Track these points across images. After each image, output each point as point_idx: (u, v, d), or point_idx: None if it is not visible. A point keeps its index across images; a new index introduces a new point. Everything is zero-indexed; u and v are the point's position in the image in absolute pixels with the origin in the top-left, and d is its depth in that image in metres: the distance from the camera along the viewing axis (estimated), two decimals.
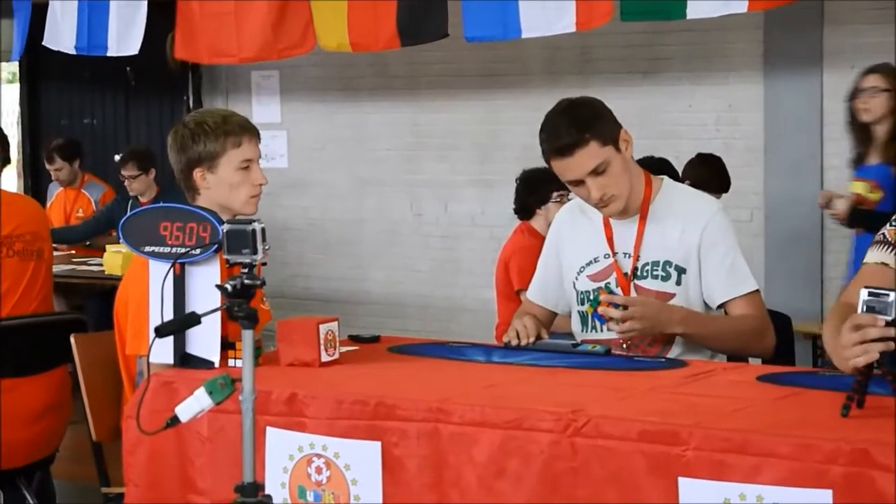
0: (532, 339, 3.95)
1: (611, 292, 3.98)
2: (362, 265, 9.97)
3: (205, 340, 3.59)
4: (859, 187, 6.44)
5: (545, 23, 7.19)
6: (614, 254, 4.04)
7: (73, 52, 8.56)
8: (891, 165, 6.34)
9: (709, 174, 7.16)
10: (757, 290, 4.01)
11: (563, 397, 3.17)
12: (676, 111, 8.61)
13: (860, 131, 6.55)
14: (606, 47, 8.67)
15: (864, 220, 6.30)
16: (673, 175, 6.66)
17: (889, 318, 2.84)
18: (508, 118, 9.14)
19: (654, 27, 8.11)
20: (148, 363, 3.26)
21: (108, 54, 8.44)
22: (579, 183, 3.93)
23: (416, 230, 9.74)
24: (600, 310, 3.86)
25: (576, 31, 7.14)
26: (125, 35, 8.32)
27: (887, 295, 2.85)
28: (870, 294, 2.87)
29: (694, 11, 6.82)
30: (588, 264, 4.09)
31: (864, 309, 2.87)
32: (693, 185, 6.93)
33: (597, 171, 3.88)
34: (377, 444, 3.22)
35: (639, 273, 4.00)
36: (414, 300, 9.64)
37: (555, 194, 6.51)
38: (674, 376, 3.50)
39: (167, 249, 3.60)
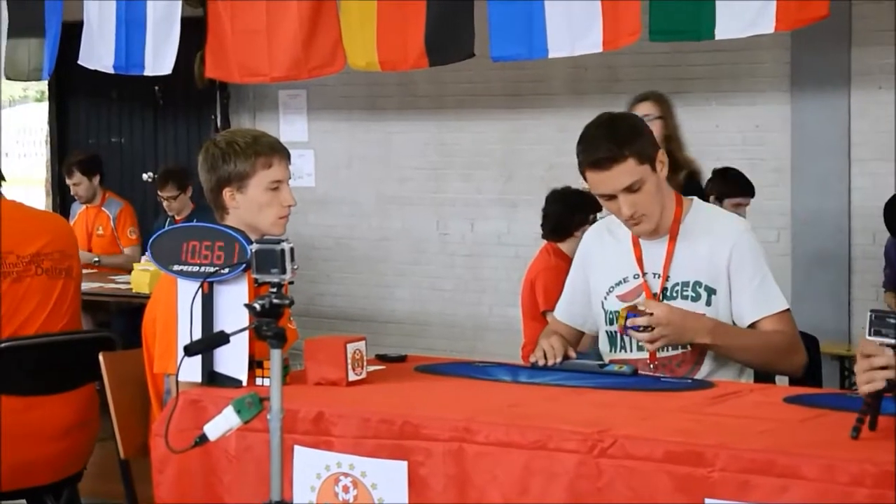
0: (559, 359, 3.95)
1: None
2: (388, 283, 9.99)
3: (233, 359, 3.60)
4: None
5: (571, 42, 7.21)
6: (644, 274, 4.05)
7: (111, 71, 8.64)
8: None
9: (734, 183, 7.21)
10: (788, 310, 3.99)
11: (589, 417, 3.18)
12: (703, 131, 8.58)
13: None
14: (632, 67, 8.68)
15: None
16: (698, 191, 6.69)
17: (894, 342, 2.85)
18: (533, 137, 9.16)
19: (680, 47, 8.12)
20: (177, 381, 3.28)
21: (145, 73, 8.51)
22: (612, 197, 3.93)
23: (441, 249, 9.75)
24: (628, 322, 3.86)
25: (602, 50, 7.17)
26: (161, 54, 8.40)
27: (893, 317, 2.86)
28: (876, 317, 2.88)
29: (722, 32, 6.84)
30: (617, 284, 4.10)
31: (871, 332, 2.89)
32: (719, 197, 7.01)
33: (631, 189, 3.89)
34: (403, 464, 3.22)
35: (669, 293, 4.00)
36: (439, 319, 9.66)
37: (592, 216, 6.52)
38: (700, 397, 3.50)
39: (196, 268, 3.61)
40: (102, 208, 9.44)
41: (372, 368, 3.84)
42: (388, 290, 9.98)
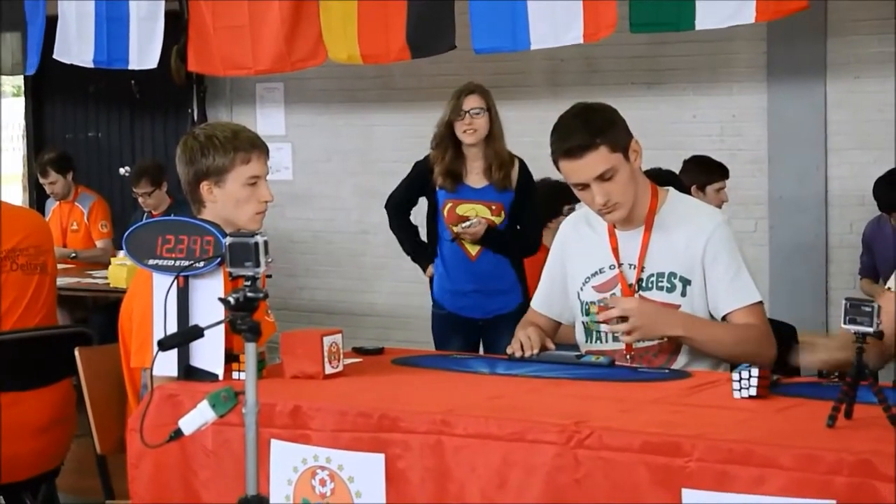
0: (536, 351, 3.95)
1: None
2: (367, 277, 9.97)
3: (209, 353, 3.59)
4: (485, 211, 6.38)
5: (553, 34, 7.23)
6: (619, 264, 4.05)
7: (91, 65, 8.64)
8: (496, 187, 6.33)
9: (707, 168, 7.24)
10: (760, 302, 4.00)
11: (567, 409, 3.17)
12: (680, 122, 8.61)
13: (458, 152, 6.42)
14: (610, 58, 8.68)
15: (493, 241, 6.34)
16: (679, 186, 6.69)
17: (871, 330, 2.86)
18: (513, 130, 9.08)
19: (657, 38, 8.13)
20: (151, 376, 3.26)
21: (130, 67, 8.52)
22: (585, 187, 3.93)
23: None
24: (601, 316, 3.87)
25: (584, 42, 7.18)
26: (145, 49, 8.41)
27: (868, 305, 2.86)
28: (851, 305, 2.89)
29: (703, 22, 6.87)
30: (593, 275, 4.10)
31: (846, 321, 2.89)
32: (700, 186, 7.04)
33: (603, 177, 3.89)
34: (381, 457, 3.22)
35: (644, 284, 4.00)
36: (419, 312, 9.60)
37: (566, 208, 6.52)
38: (677, 387, 3.50)
39: (171, 262, 3.60)
40: (76, 203, 9.42)
41: (349, 361, 3.83)
42: (367, 283, 9.96)
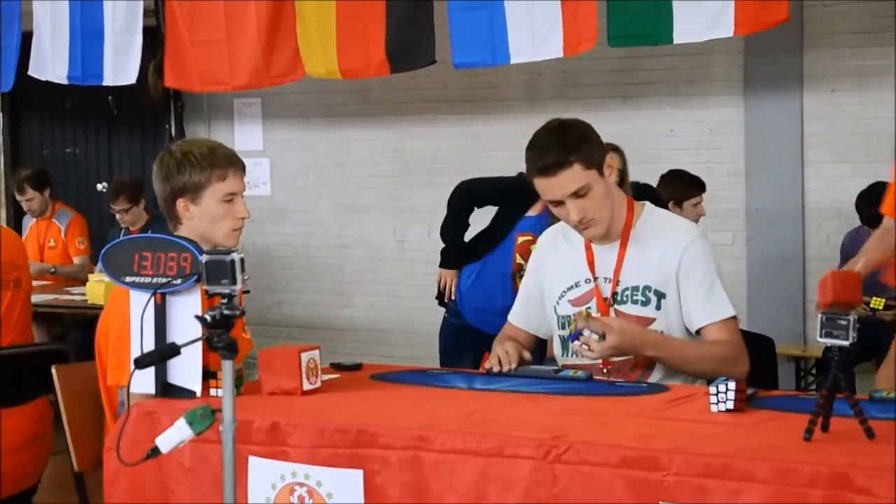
0: (514, 366, 3.95)
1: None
2: (346, 292, 9.96)
3: (186, 370, 3.58)
4: None
5: (533, 48, 7.25)
6: (595, 278, 4.05)
7: (65, 81, 8.61)
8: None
9: (684, 183, 7.26)
10: (733, 317, 4.01)
11: (545, 423, 3.18)
12: (658, 135, 8.63)
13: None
14: (588, 72, 8.70)
15: None
16: (656, 201, 6.70)
17: (847, 343, 2.87)
18: (491, 144, 9.16)
19: (634, 52, 8.15)
20: (128, 395, 3.26)
21: (105, 83, 8.48)
22: (560, 203, 3.94)
23: (399, 256, 9.73)
24: (580, 339, 3.85)
25: (563, 55, 7.19)
26: (122, 65, 8.37)
27: (843, 318, 2.87)
28: (827, 318, 2.90)
29: (681, 36, 6.89)
30: (569, 289, 4.11)
31: (822, 334, 2.90)
32: (678, 202, 7.05)
33: (578, 194, 3.89)
34: (359, 473, 3.21)
35: (619, 298, 4.01)
36: (398, 326, 9.64)
37: None
38: (655, 401, 3.51)
39: (148, 280, 3.59)
40: (53, 220, 9.39)
41: (327, 377, 3.82)
42: (346, 297, 9.96)
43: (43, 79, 8.67)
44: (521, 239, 6.15)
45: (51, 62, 8.57)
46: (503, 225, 6.24)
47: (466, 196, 6.44)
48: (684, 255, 3.98)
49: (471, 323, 6.33)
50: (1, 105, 11.74)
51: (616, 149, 5.76)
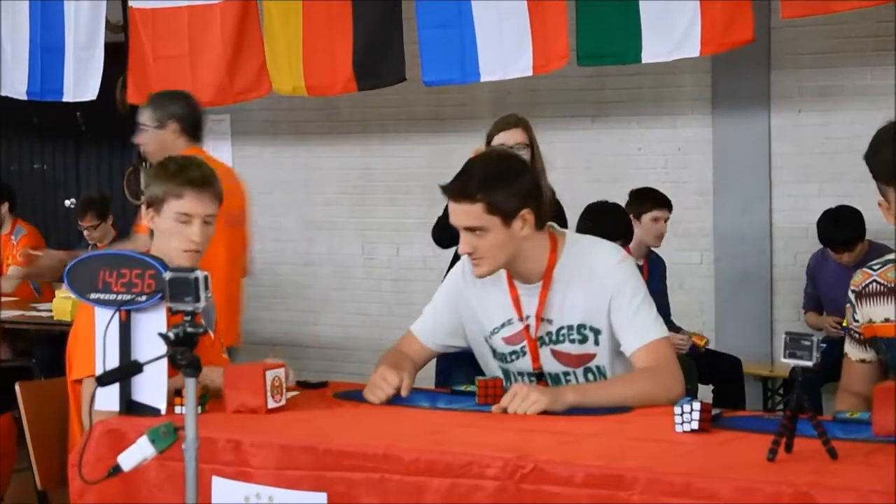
0: (392, 393, 3.81)
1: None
2: (314, 309, 9.94)
3: (151, 387, 3.56)
4: None
5: (503, 67, 7.27)
6: (521, 318, 3.94)
7: (24, 97, 8.56)
8: None
9: (639, 198, 7.20)
10: (663, 338, 3.87)
11: (509, 443, 3.18)
12: (626, 154, 8.65)
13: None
14: (556, 91, 8.71)
15: None
16: (624, 219, 6.69)
17: (810, 364, 2.88)
18: (458, 161, 8.97)
19: (602, 70, 8.18)
20: (90, 412, 3.24)
21: (65, 100, 8.43)
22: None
23: (367, 273, 9.73)
24: (494, 409, 3.65)
25: (533, 73, 7.21)
26: (82, 81, 8.32)
27: (807, 339, 2.89)
28: (791, 339, 2.91)
29: (649, 55, 6.94)
30: (502, 326, 3.99)
31: (786, 354, 2.91)
32: (636, 215, 7.01)
33: (472, 230, 3.80)
34: (323, 495, 3.20)
35: (556, 338, 3.92)
36: (366, 343, 9.61)
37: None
38: (619, 420, 3.51)
39: (113, 296, 3.58)
40: (11, 237, 9.31)
41: (291, 395, 3.81)
42: (313, 315, 9.94)
43: (3, 94, 8.61)
44: None
45: (10, 77, 8.52)
46: None
47: (437, 240, 6.34)
48: (612, 286, 3.85)
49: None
50: None
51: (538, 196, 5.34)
